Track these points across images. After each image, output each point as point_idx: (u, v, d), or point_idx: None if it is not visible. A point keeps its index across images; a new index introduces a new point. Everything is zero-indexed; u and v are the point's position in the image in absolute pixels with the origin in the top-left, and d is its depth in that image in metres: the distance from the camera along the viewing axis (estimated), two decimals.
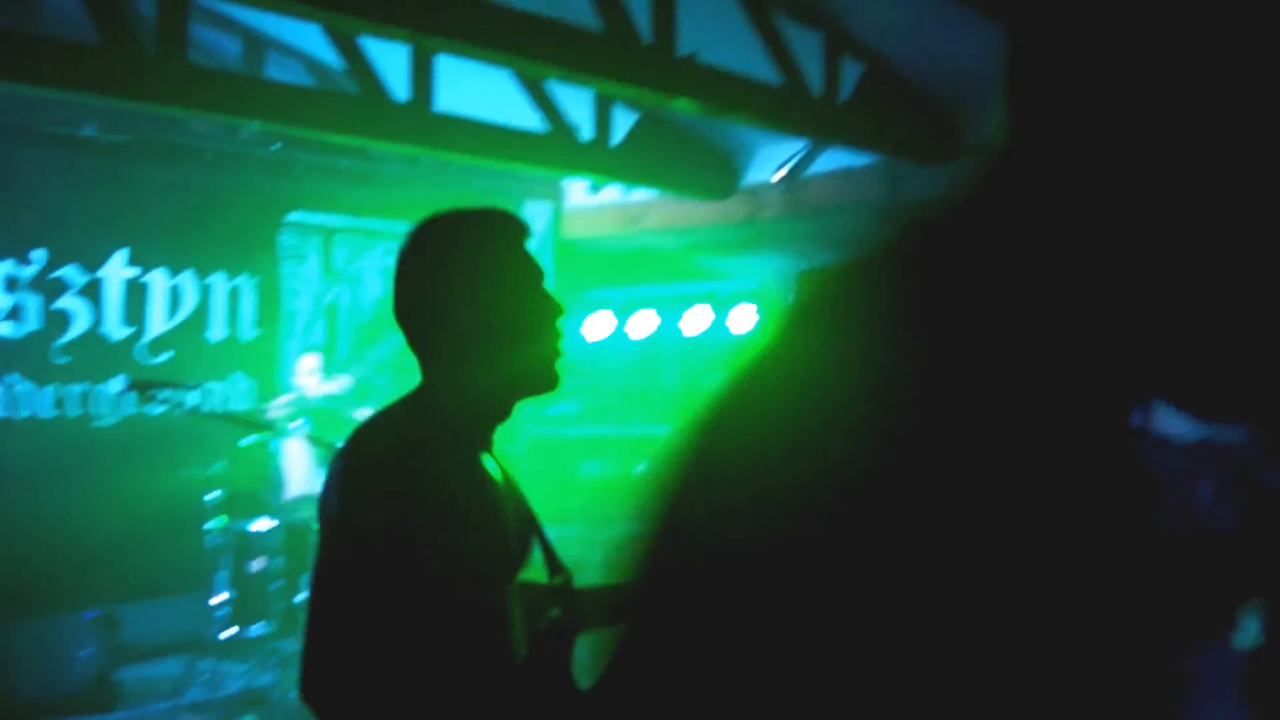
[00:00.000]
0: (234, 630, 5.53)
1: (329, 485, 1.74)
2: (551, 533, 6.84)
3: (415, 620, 1.61)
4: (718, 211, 7.78)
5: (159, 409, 5.43)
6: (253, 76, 5.41)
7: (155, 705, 5.46)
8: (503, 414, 1.87)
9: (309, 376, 6.29)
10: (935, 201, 1.10)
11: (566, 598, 1.96)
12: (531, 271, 1.83)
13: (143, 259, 6.34)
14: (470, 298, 1.77)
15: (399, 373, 7.43)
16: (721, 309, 8.26)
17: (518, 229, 1.84)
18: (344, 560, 1.66)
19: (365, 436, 1.74)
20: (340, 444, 1.76)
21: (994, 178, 1.05)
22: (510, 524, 1.84)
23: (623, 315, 8.50)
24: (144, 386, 4.33)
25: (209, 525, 5.55)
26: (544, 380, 1.85)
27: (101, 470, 6.05)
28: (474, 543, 1.70)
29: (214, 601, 5.51)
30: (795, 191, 7.38)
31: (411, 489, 1.64)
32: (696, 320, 8.32)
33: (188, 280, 6.51)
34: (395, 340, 1.90)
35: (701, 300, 8.41)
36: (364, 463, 1.69)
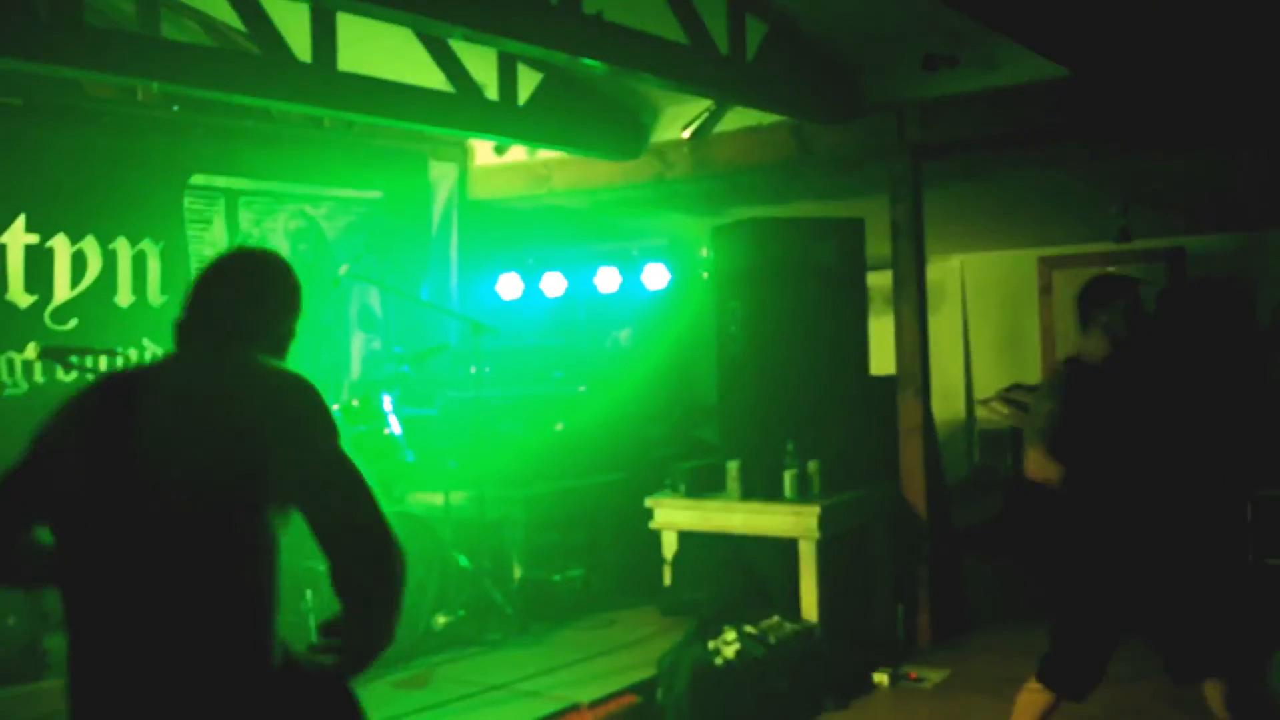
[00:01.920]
0: None
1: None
2: (473, 493, 6.98)
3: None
4: (626, 171, 7.83)
5: (71, 375, 5.31)
6: (151, 37, 5.30)
7: None
8: None
9: None
10: None
11: None
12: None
13: (40, 225, 6.18)
14: (293, 314, 2.66)
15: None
16: (632, 267, 8.35)
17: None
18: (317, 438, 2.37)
19: (253, 371, 2.47)
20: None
21: None
22: None
23: (534, 275, 8.53)
24: (58, 353, 4.26)
25: None
26: None
27: (15, 439, 5.90)
28: None
29: None
30: (702, 150, 7.46)
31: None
32: (608, 279, 8.40)
33: (90, 246, 6.37)
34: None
35: (612, 259, 8.48)
36: (285, 385, 2.42)
